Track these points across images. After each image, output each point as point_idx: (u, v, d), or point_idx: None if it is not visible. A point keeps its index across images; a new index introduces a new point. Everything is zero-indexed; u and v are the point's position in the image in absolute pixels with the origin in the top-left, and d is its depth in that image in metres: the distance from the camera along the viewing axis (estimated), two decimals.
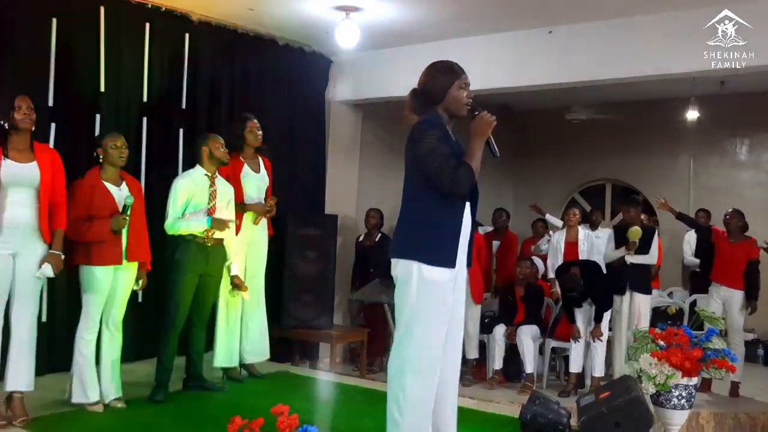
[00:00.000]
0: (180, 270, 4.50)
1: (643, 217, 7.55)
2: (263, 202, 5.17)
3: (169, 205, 4.52)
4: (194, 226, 4.51)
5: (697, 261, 7.70)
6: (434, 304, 3.08)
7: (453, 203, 3.10)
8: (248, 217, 5.08)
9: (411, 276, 3.07)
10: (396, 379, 3.11)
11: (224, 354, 5.05)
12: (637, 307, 6.13)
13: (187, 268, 4.51)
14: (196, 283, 4.58)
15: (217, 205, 4.63)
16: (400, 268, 3.13)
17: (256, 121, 5.17)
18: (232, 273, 4.83)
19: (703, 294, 6.85)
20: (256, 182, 5.14)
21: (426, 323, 3.07)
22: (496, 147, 3.18)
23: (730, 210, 6.52)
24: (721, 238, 6.46)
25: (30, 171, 3.85)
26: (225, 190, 4.75)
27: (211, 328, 5.13)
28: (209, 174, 4.66)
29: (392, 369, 3.15)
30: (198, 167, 4.69)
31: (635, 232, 6.23)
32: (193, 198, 4.55)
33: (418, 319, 3.07)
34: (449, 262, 3.08)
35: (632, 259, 6.22)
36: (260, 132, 5.16)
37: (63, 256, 3.97)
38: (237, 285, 4.82)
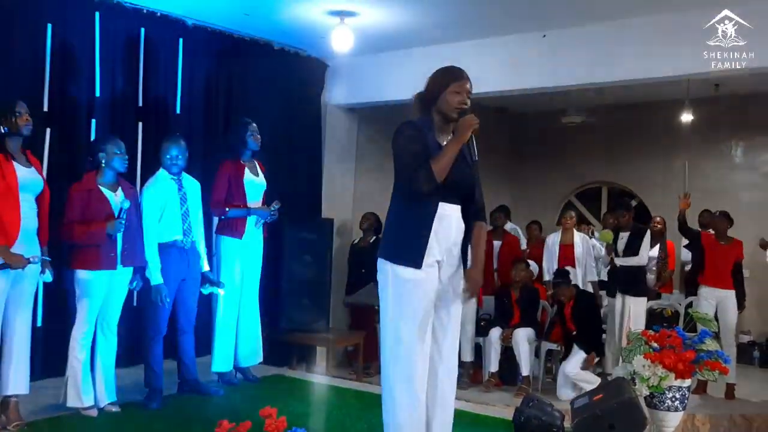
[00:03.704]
0: (162, 276, 4.49)
1: (657, 220, 7.60)
2: (260, 205, 5.18)
3: (144, 215, 4.48)
4: (153, 265, 4.46)
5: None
6: (409, 304, 3.08)
7: (423, 203, 3.07)
8: (250, 220, 5.10)
9: (386, 275, 3.12)
10: (384, 380, 3.17)
11: (222, 359, 5.07)
12: (627, 309, 6.15)
13: (169, 274, 4.51)
14: (177, 288, 4.60)
15: (189, 206, 4.63)
16: (378, 269, 3.19)
17: (255, 125, 5.20)
18: (204, 270, 4.80)
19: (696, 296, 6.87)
20: (256, 186, 5.17)
21: (402, 322, 3.09)
22: (475, 150, 3.13)
23: (717, 213, 6.54)
24: (711, 241, 6.47)
25: (34, 177, 3.89)
26: (194, 189, 4.75)
27: (207, 332, 5.14)
28: (175, 177, 4.65)
29: (381, 369, 3.21)
30: (162, 170, 4.66)
31: (604, 235, 6.32)
32: (166, 204, 4.55)
33: (395, 318, 3.11)
34: (414, 263, 3.06)
35: (620, 261, 6.26)
36: (259, 136, 5.19)
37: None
38: (212, 281, 4.81)
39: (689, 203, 6.73)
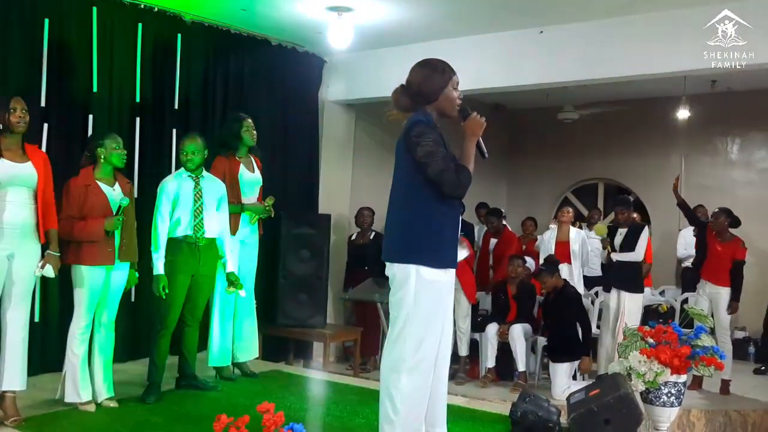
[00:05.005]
0: (172, 270, 4.49)
1: (635, 215, 7.62)
2: (256, 201, 5.19)
3: (155, 208, 4.53)
4: (155, 257, 4.48)
5: (690, 254, 7.75)
6: (432, 304, 3.11)
7: (451, 204, 3.14)
8: (245, 216, 5.09)
9: (409, 277, 3.09)
10: (391, 377, 3.13)
11: (219, 353, 5.06)
12: (622, 305, 6.16)
13: (178, 269, 4.51)
14: (188, 283, 4.58)
15: (205, 204, 4.62)
16: (397, 269, 3.13)
17: (250, 120, 5.18)
18: (228, 270, 4.80)
19: (694, 292, 6.88)
20: (251, 182, 5.16)
21: (424, 323, 3.09)
22: (485, 148, 3.21)
23: (716, 210, 6.54)
24: (713, 235, 6.48)
25: (27, 171, 3.86)
26: (214, 188, 4.73)
27: (204, 327, 5.14)
28: (193, 174, 4.65)
29: (387, 367, 3.17)
30: (182, 168, 4.67)
31: (599, 230, 6.33)
32: (180, 198, 4.55)
33: (416, 318, 3.09)
34: (451, 263, 3.14)
35: (617, 256, 6.29)
36: (255, 132, 5.18)
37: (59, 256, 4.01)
38: (232, 282, 4.81)
39: (677, 184, 6.75)
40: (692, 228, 7.46)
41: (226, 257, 4.78)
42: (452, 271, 3.23)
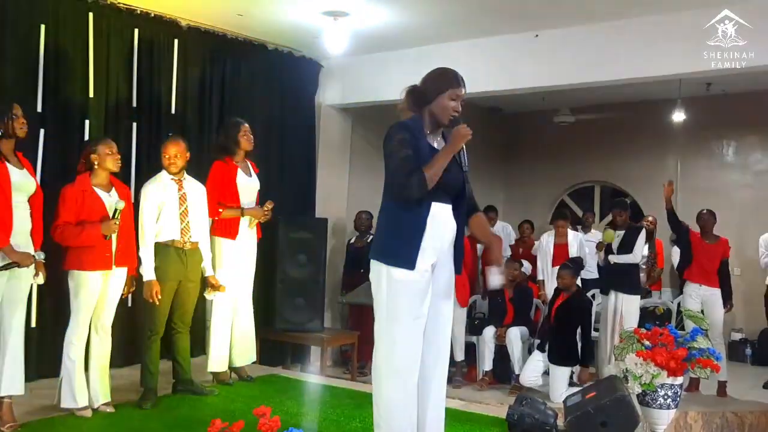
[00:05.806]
0: (160, 276, 4.48)
1: (650, 219, 7.62)
2: (254, 205, 5.19)
3: (141, 212, 4.50)
4: (146, 262, 4.47)
5: None
6: (403, 304, 3.08)
7: (415, 204, 3.09)
8: (244, 220, 5.10)
9: (381, 277, 3.11)
10: (376, 380, 3.16)
11: (218, 359, 5.07)
12: (620, 307, 6.17)
13: (165, 275, 4.50)
14: (176, 288, 4.58)
15: (189, 207, 4.61)
16: (372, 269, 3.18)
17: (247, 125, 5.20)
18: (207, 274, 4.78)
19: None
20: (248, 186, 5.17)
21: (397, 323, 3.09)
22: (466, 160, 3.18)
23: (704, 211, 6.54)
24: (697, 238, 6.49)
25: (28, 178, 3.89)
26: (196, 190, 4.71)
27: (202, 332, 5.14)
28: (176, 177, 4.64)
29: (373, 370, 3.20)
30: (164, 171, 4.64)
31: (609, 235, 6.32)
32: (164, 203, 4.53)
33: (389, 319, 3.10)
34: (408, 264, 3.06)
35: (615, 258, 6.30)
36: (252, 136, 5.20)
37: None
38: (212, 285, 4.80)
39: (672, 189, 6.71)
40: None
41: (205, 261, 4.76)
42: (440, 273, 3.20)
